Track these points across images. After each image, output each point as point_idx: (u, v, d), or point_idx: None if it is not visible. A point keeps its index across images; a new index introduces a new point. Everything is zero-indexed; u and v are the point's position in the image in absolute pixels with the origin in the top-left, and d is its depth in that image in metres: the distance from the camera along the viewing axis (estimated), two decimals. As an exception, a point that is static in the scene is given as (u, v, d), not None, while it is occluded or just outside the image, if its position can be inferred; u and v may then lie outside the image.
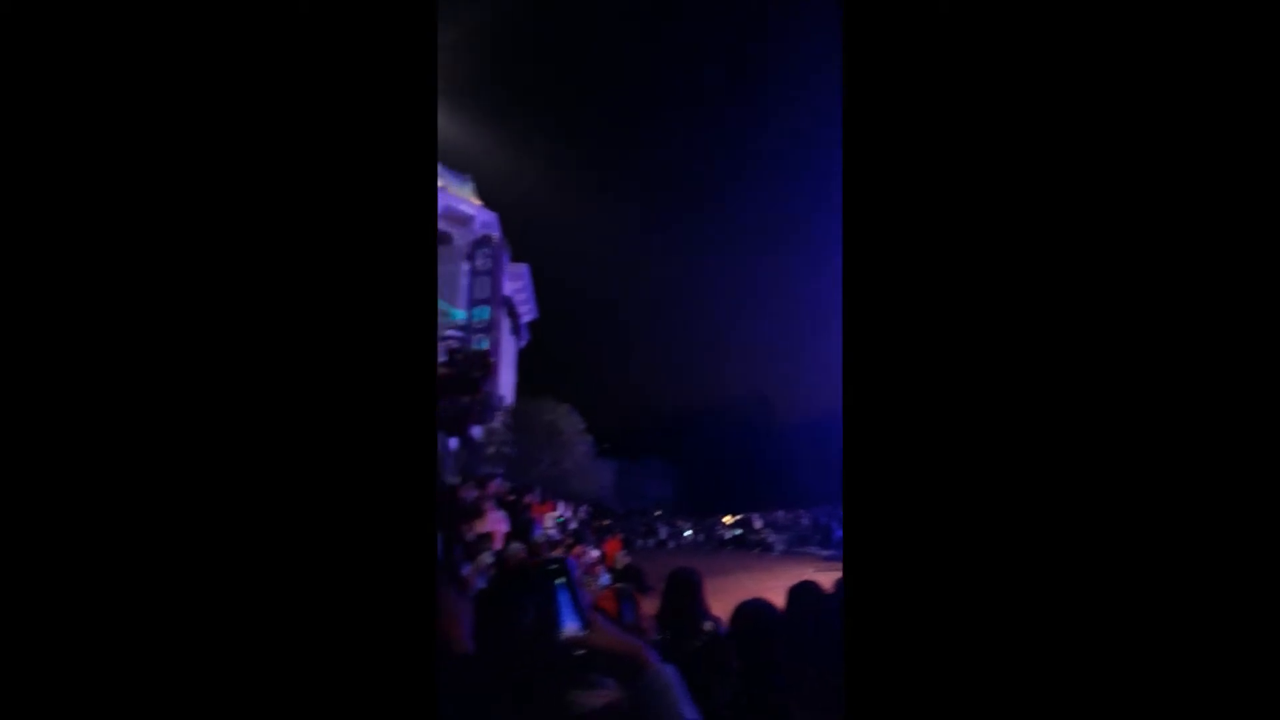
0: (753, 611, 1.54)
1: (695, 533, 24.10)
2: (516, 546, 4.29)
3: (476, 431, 9.76)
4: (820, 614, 1.05)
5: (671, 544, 22.22)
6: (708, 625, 2.01)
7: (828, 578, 1.42)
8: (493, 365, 8.40)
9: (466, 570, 3.26)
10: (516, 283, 19.23)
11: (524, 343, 22.19)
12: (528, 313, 21.57)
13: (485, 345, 13.92)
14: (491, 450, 12.90)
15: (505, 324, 17.52)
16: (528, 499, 7.07)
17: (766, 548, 18.42)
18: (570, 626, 0.77)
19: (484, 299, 15.74)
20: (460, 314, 15.64)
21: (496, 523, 5.41)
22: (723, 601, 2.08)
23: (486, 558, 3.79)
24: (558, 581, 0.80)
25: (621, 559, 5.78)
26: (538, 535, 5.91)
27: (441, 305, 15.58)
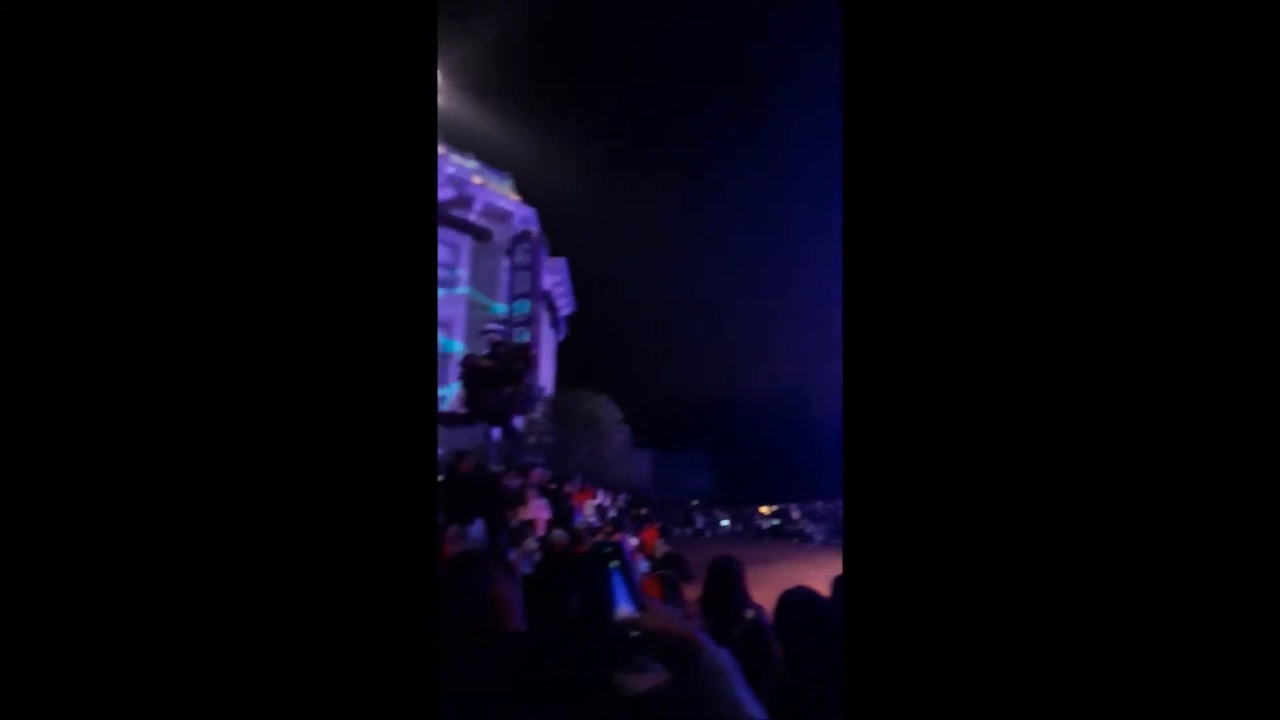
0: (798, 600, 1.54)
1: (732, 523, 24.01)
2: (559, 533, 4.38)
3: (518, 422, 9.94)
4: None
5: (708, 534, 22.18)
6: (749, 614, 2.02)
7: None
8: (534, 357, 8.53)
9: (513, 555, 3.36)
10: (555, 277, 19.42)
11: (562, 335, 22.43)
12: (566, 306, 21.77)
13: (526, 338, 14.15)
14: (532, 440, 13.14)
15: (544, 317, 17.74)
16: (568, 487, 7.18)
17: (805, 538, 18.22)
18: (624, 609, 0.78)
19: (524, 293, 15.98)
20: (501, 308, 15.92)
21: (539, 510, 5.53)
22: (763, 591, 2.09)
23: (531, 543, 3.89)
24: (612, 564, 0.81)
25: (660, 547, 5.82)
26: (578, 522, 6.01)
27: (483, 299, 15.88)
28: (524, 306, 15.84)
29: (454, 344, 14.78)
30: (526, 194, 18.00)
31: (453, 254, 15.91)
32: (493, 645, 1.03)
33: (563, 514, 5.85)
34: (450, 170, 15.87)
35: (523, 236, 16.59)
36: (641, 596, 0.81)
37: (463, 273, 15.91)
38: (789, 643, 1.53)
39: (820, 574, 1.77)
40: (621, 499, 10.50)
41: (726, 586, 2.10)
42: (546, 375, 17.81)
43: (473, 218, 16.20)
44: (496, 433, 7.82)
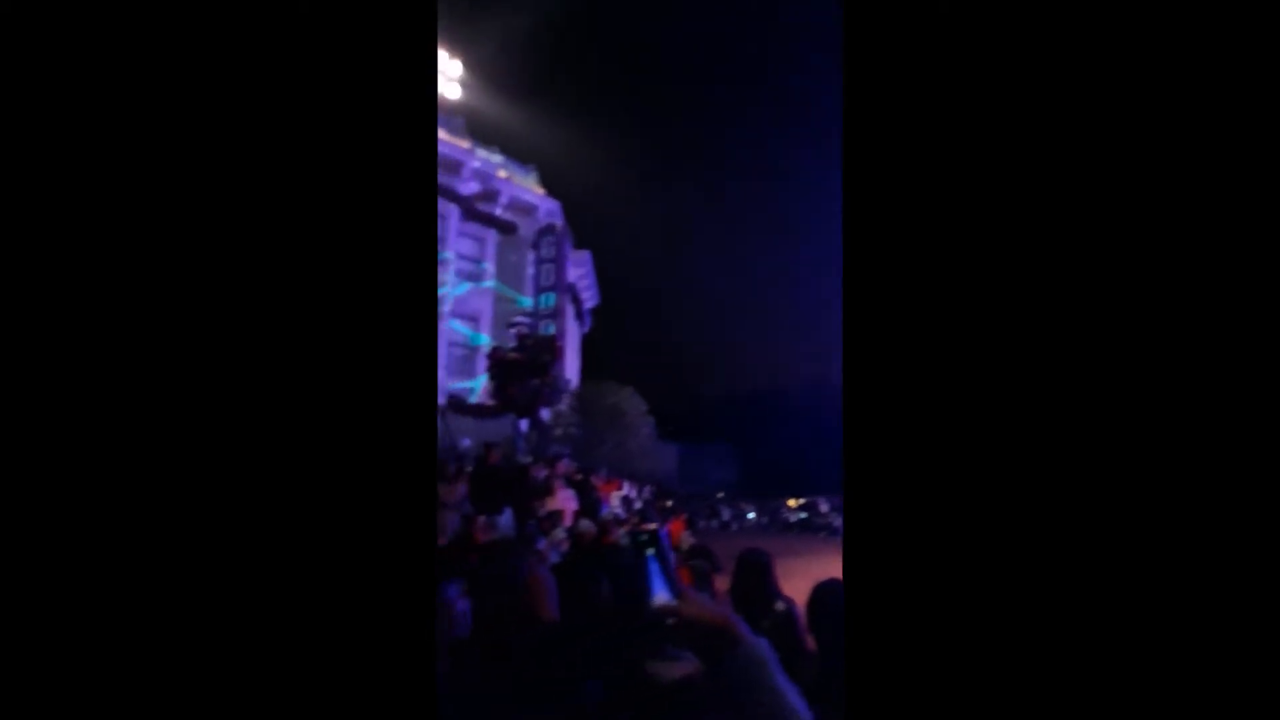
0: (833, 593, 1.52)
1: (759, 515, 23.92)
2: (586, 523, 4.41)
3: (545, 414, 10.03)
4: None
5: (735, 526, 22.14)
6: (780, 606, 2.00)
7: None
8: (560, 349, 8.58)
9: (542, 545, 3.39)
10: (579, 269, 19.49)
11: (587, 328, 22.52)
12: (590, 299, 21.84)
13: (551, 330, 14.24)
14: (559, 432, 13.26)
15: (569, 310, 17.83)
16: (594, 479, 7.22)
17: (834, 531, 18.04)
18: (661, 596, 0.78)
19: (549, 286, 16.07)
20: (527, 301, 16.04)
21: (566, 501, 5.57)
22: (792, 584, 2.07)
23: (559, 533, 3.92)
24: (649, 552, 0.81)
25: (686, 539, 5.83)
26: (605, 513, 6.05)
27: (509, 293, 16.02)
28: (549, 299, 15.94)
29: (481, 337, 14.98)
30: (550, 186, 18.08)
31: (479, 248, 16.07)
32: (529, 632, 1.04)
33: (590, 505, 5.89)
34: (476, 164, 16.00)
35: (548, 230, 16.66)
36: (680, 584, 0.81)
37: (489, 266, 16.07)
38: (823, 635, 1.51)
39: (851, 567, 1.76)
40: (647, 491, 10.54)
41: (756, 578, 2.09)
42: (571, 367, 17.93)
43: (499, 211, 16.33)
44: (524, 424, 7.89)
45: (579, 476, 6.57)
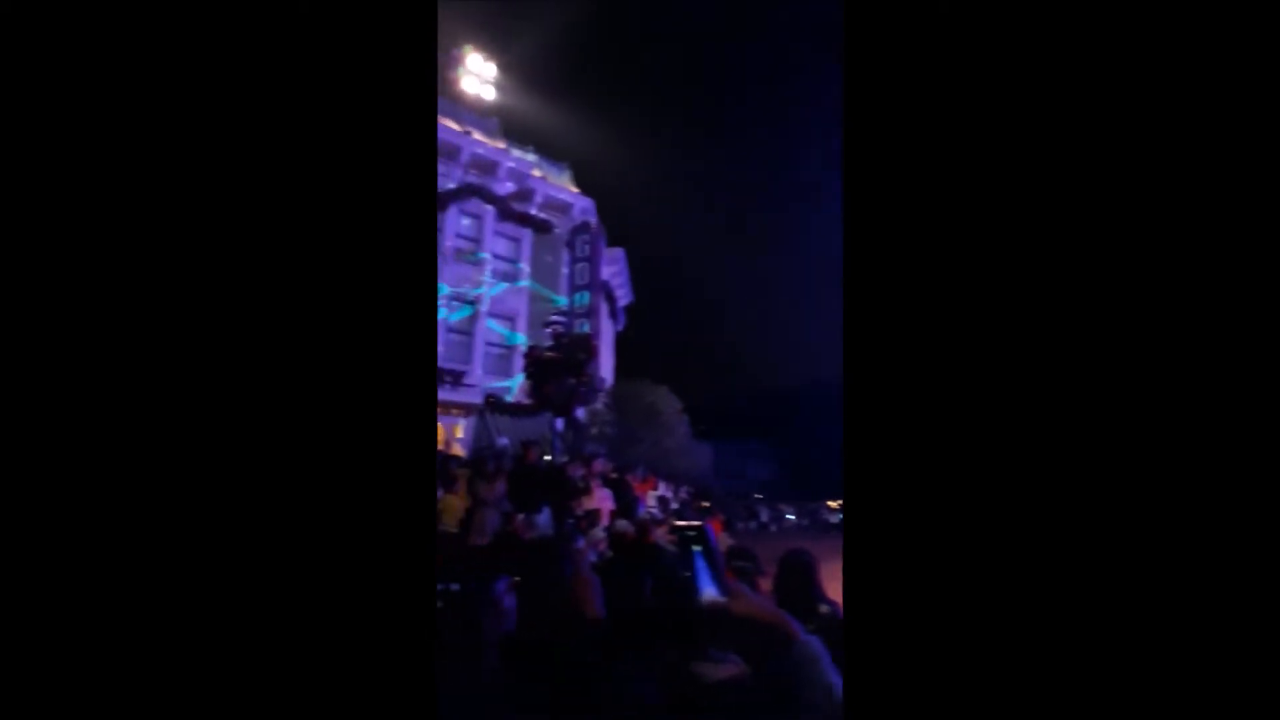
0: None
1: (798, 517, 23.56)
2: (623, 523, 4.41)
3: (580, 413, 10.09)
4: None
5: (774, 527, 21.89)
6: (824, 609, 1.96)
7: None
8: (595, 348, 8.63)
9: (580, 543, 3.41)
10: (613, 267, 19.55)
11: (621, 326, 22.58)
12: (624, 296, 21.89)
13: (586, 329, 14.32)
14: (594, 430, 13.33)
15: (604, 308, 17.91)
16: (630, 477, 7.23)
17: (875, 534, 17.58)
18: (709, 593, 0.77)
19: (584, 284, 16.17)
20: (562, 300, 16.18)
21: (603, 500, 5.59)
22: (836, 587, 2.02)
23: (598, 532, 3.94)
24: (695, 549, 0.80)
25: (724, 540, 5.78)
26: (641, 513, 6.05)
27: (545, 292, 16.18)
28: (584, 298, 16.04)
29: (518, 336, 15.17)
30: (584, 184, 18.19)
31: (515, 248, 16.28)
32: (575, 631, 1.04)
33: (626, 504, 5.90)
34: (511, 164, 16.21)
35: (582, 228, 16.77)
36: (729, 582, 0.79)
37: (524, 266, 16.26)
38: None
39: (900, 570, 1.70)
40: (683, 491, 10.50)
41: (799, 580, 2.05)
42: (606, 366, 18.01)
43: (533, 210, 16.50)
44: (559, 423, 7.96)
45: (614, 475, 6.59)
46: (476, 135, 15.68)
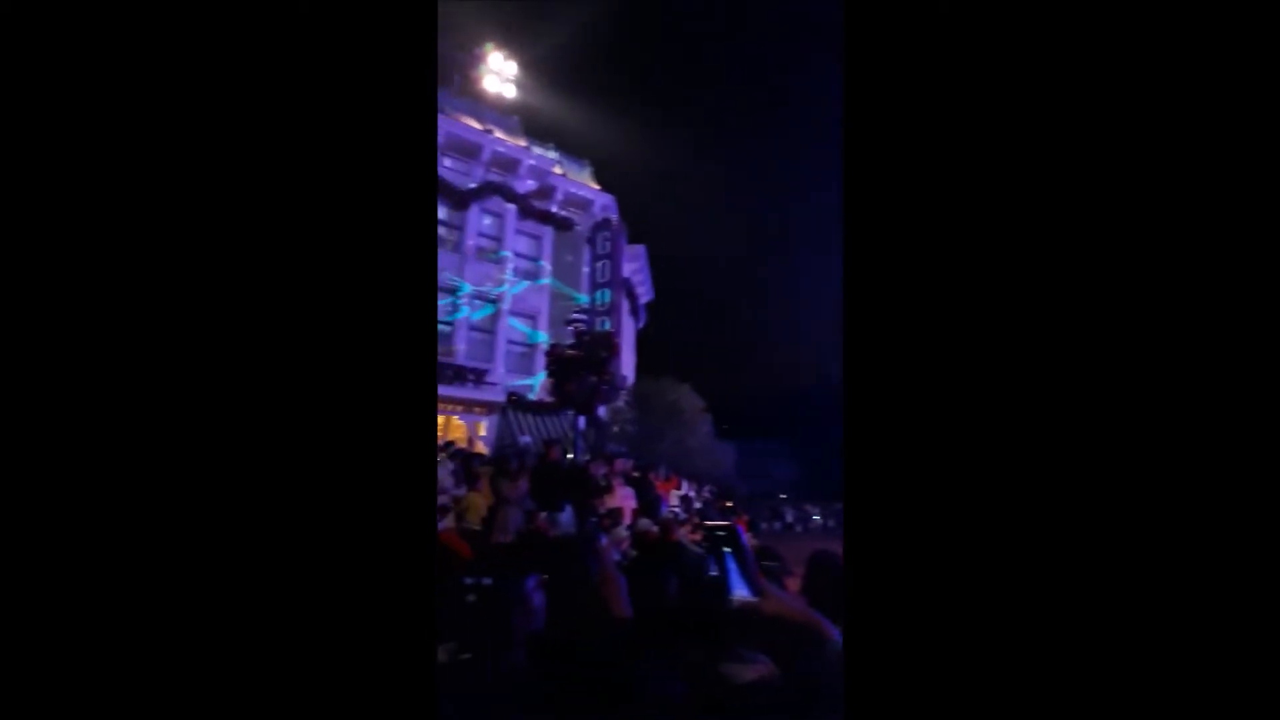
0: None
1: (824, 518, 23.31)
2: (645, 522, 4.41)
3: (602, 411, 10.11)
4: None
5: (798, 528, 21.70)
6: (854, 610, 1.92)
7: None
8: (617, 346, 8.63)
9: (604, 542, 3.41)
10: (634, 264, 19.55)
11: (642, 323, 22.58)
12: (645, 294, 21.88)
13: (608, 326, 14.34)
14: (616, 429, 13.35)
15: (625, 305, 17.92)
16: (652, 476, 7.22)
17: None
18: (740, 593, 0.76)
19: (605, 282, 16.19)
20: (584, 298, 16.23)
21: (625, 499, 5.59)
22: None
23: (620, 532, 3.94)
24: (726, 550, 0.79)
25: (749, 540, 5.73)
26: (664, 512, 6.03)
27: (566, 290, 16.25)
28: (605, 295, 16.06)
29: (539, 334, 15.26)
30: (604, 181, 18.20)
31: (536, 246, 16.37)
32: (602, 630, 1.03)
33: (648, 503, 5.89)
34: (531, 161, 16.29)
35: (603, 225, 16.79)
36: (761, 582, 0.78)
37: (546, 264, 16.35)
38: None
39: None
40: (706, 490, 10.45)
41: (827, 581, 2.01)
42: (628, 364, 18.02)
43: (554, 208, 16.58)
44: (581, 422, 7.98)
45: (637, 474, 6.58)
46: (498, 133, 15.79)
